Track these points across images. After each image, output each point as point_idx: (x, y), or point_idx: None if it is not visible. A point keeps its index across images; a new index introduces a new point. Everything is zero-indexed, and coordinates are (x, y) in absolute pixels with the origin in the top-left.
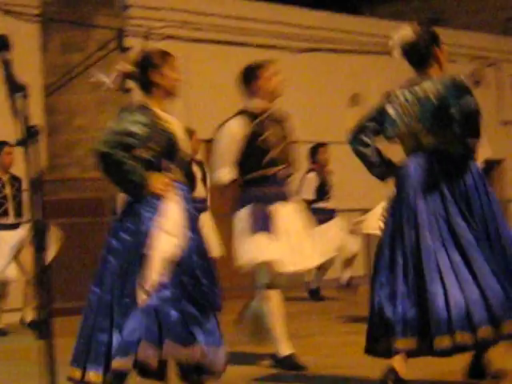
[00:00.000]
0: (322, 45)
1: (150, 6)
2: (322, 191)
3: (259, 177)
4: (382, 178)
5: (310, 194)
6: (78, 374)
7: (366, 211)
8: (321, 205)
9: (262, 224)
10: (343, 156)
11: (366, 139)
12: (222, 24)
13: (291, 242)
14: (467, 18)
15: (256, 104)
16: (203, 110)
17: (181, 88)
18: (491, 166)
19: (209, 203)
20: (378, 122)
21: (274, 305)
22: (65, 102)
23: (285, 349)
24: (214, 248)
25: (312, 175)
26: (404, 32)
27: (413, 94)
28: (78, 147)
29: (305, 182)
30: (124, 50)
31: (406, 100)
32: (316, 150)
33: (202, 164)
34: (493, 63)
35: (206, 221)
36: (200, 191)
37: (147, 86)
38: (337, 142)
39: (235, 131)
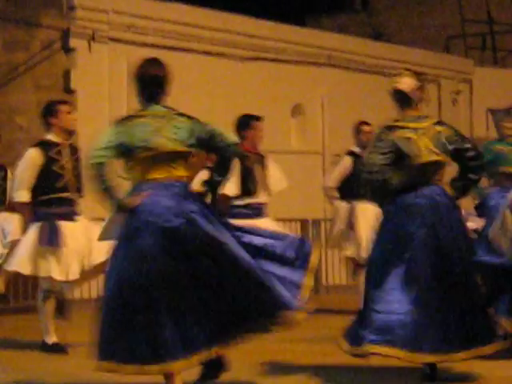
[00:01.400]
0: (266, 54)
1: (96, 8)
2: None
3: (52, 198)
4: None
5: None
6: None
7: (303, 221)
8: None
9: (49, 238)
10: (283, 165)
11: None
12: (168, 29)
13: (74, 255)
14: (410, 35)
15: (53, 136)
16: None
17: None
18: None
19: None
20: None
21: (46, 304)
22: (7, 100)
23: (51, 338)
24: None
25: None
26: None
27: None
28: (18, 146)
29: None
30: (68, 50)
31: None
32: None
33: None
34: (434, 80)
35: None
36: None
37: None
38: (278, 151)
39: (33, 158)
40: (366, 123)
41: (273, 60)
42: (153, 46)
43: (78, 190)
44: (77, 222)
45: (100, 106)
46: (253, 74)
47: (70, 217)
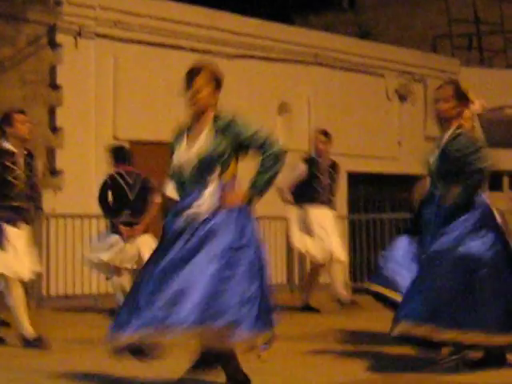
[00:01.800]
0: (253, 52)
1: (82, 4)
2: None
3: (3, 205)
4: None
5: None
6: None
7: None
8: None
9: None
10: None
11: None
12: (155, 26)
13: (22, 258)
14: (397, 34)
15: (8, 145)
16: (131, 111)
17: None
18: (413, 180)
19: None
20: None
21: (13, 297)
22: None
23: (29, 332)
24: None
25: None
26: None
27: None
28: None
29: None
30: (54, 46)
31: None
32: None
33: None
34: (420, 79)
35: None
36: None
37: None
38: None
39: None
40: (323, 133)
41: (260, 58)
42: (139, 42)
43: (32, 199)
44: (22, 229)
45: (86, 102)
46: (239, 71)
47: (16, 224)
